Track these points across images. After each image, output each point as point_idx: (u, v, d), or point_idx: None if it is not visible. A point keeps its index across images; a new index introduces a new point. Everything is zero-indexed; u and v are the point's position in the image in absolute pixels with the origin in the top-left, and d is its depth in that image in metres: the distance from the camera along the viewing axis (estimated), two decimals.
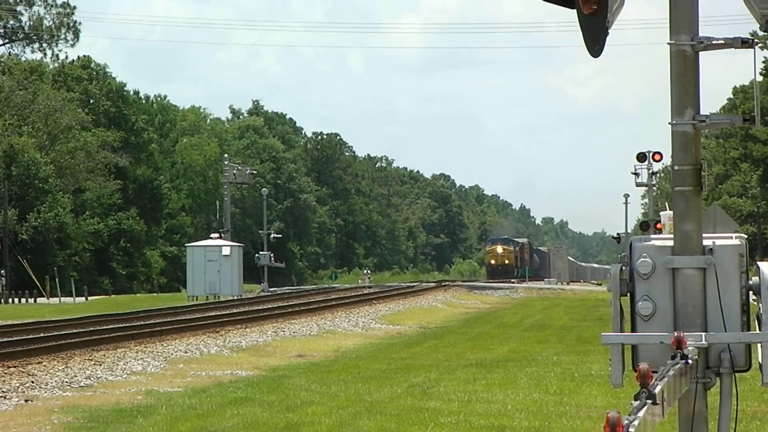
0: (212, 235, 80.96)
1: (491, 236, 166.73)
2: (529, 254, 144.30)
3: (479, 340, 33.94)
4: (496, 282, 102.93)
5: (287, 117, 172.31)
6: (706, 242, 7.15)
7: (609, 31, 6.95)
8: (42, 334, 34.17)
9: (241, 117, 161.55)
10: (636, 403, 5.33)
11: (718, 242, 7.17)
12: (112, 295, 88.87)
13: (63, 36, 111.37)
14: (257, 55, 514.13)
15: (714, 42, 7.09)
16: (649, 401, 5.38)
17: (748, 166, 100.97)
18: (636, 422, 5.05)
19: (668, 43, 7.10)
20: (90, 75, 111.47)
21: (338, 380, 22.26)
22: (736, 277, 7.14)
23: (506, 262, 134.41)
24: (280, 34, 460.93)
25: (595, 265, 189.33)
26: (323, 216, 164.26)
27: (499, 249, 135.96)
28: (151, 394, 20.92)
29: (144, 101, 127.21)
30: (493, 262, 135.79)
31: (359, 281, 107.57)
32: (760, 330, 7.08)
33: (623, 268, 7.21)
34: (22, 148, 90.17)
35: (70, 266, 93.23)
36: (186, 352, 29.63)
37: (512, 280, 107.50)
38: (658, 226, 54.39)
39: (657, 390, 5.55)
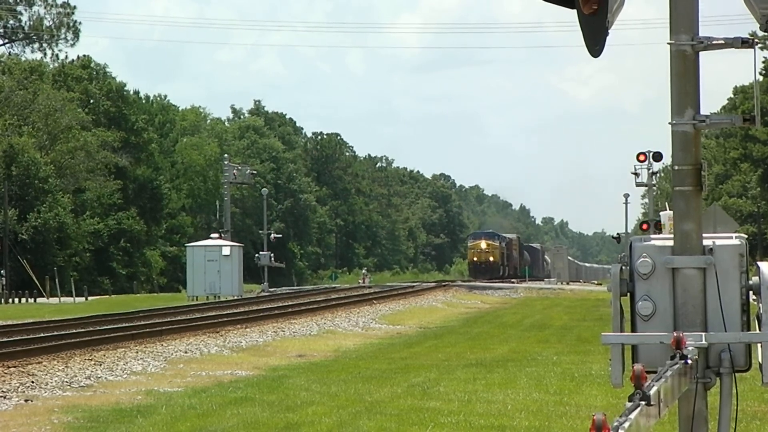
0: (212, 235, 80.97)
1: (474, 230, 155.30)
2: (519, 251, 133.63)
3: (479, 340, 33.93)
4: (481, 282, 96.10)
5: (287, 117, 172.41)
6: (706, 242, 7.15)
7: (609, 31, 6.95)
8: (42, 334, 34.17)
9: (242, 117, 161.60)
10: (629, 405, 5.31)
11: (718, 242, 7.17)
12: (112, 295, 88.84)
13: (63, 36, 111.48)
14: (257, 54, 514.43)
15: (714, 42, 7.09)
16: (643, 402, 5.36)
17: (748, 166, 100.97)
18: (626, 424, 5.02)
19: (668, 43, 7.10)
20: (90, 75, 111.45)
21: (338, 380, 22.25)
22: (736, 277, 7.14)
23: (491, 259, 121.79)
24: (280, 34, 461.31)
25: (588, 265, 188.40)
26: (323, 216, 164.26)
27: (483, 244, 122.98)
28: (151, 394, 20.92)
29: (144, 101, 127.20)
30: (475, 259, 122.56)
31: (359, 281, 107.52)
32: (760, 330, 7.08)
33: (623, 268, 7.21)
34: (22, 148, 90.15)
35: (70, 266, 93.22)
36: (186, 352, 29.62)
37: (512, 281, 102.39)
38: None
39: (652, 391, 5.54)
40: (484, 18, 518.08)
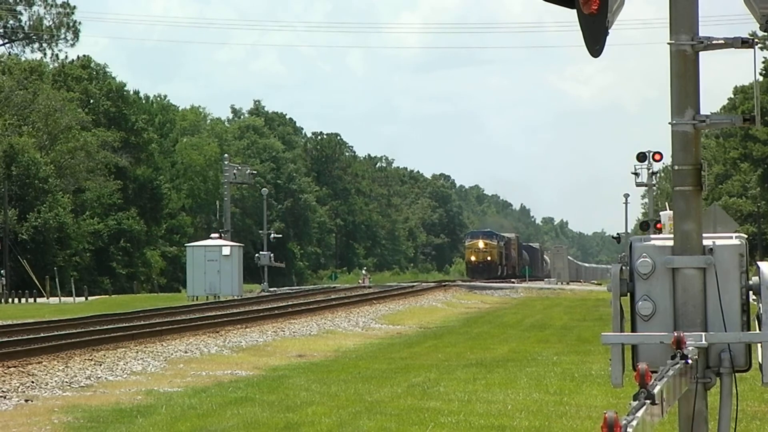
0: (212, 235, 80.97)
1: (472, 229, 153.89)
2: (517, 251, 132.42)
3: (479, 340, 33.94)
4: (479, 282, 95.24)
5: (287, 117, 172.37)
6: (706, 242, 7.15)
7: (609, 31, 6.95)
8: (42, 334, 34.17)
9: (242, 117, 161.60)
10: (635, 403, 5.33)
11: (718, 242, 7.17)
12: (112, 295, 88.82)
13: (63, 36, 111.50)
14: (257, 54, 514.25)
15: (714, 42, 7.09)
16: (648, 401, 5.38)
17: (748, 166, 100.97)
18: (634, 422, 5.05)
19: (668, 43, 7.10)
20: (90, 75, 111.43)
21: (338, 380, 22.25)
22: (736, 277, 7.14)
23: (489, 258, 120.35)
24: (280, 34, 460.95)
25: (587, 265, 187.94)
26: (323, 216, 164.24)
27: (481, 244, 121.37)
28: (151, 394, 20.92)
29: (144, 101, 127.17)
30: (473, 258, 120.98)
31: (359, 281, 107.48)
32: (760, 330, 7.08)
33: (623, 268, 7.21)
34: (22, 148, 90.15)
35: (70, 266, 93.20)
36: (186, 352, 29.63)
37: (512, 281, 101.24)
38: (658, 225, 54.47)
39: (656, 390, 5.55)
40: (484, 18, 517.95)
